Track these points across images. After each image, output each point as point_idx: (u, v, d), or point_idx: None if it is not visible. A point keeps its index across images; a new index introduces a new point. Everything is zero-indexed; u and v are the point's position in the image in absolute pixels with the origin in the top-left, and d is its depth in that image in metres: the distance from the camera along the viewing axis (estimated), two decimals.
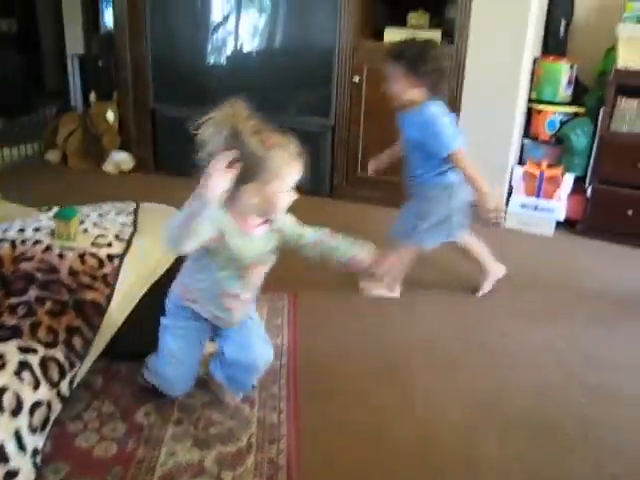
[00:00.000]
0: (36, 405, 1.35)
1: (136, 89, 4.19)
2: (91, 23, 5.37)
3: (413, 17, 3.49)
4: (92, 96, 4.37)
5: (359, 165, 3.71)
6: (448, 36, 3.35)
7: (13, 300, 1.53)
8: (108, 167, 4.27)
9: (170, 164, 4.20)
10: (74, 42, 5.47)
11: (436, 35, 3.35)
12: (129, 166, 4.27)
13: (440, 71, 2.22)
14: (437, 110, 2.22)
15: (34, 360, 1.39)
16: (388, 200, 3.64)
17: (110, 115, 4.22)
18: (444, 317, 2.38)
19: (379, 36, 3.56)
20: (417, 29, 3.44)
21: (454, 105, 3.36)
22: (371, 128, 3.62)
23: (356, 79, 3.57)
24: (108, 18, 5.24)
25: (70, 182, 4.08)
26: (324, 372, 1.94)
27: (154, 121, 4.23)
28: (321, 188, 3.88)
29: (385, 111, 3.54)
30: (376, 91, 3.53)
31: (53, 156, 4.62)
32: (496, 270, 2.57)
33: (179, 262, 1.69)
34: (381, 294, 2.52)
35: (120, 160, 4.25)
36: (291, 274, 2.68)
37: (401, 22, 3.54)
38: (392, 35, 3.47)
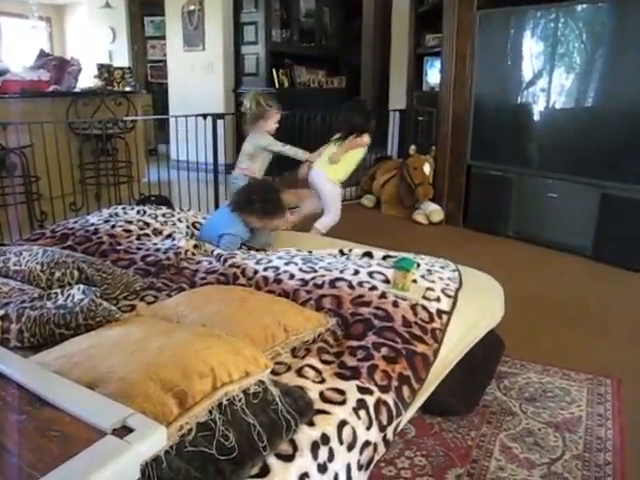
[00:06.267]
0: (366, 444, 1.42)
1: (454, 145, 4.33)
2: (414, 82, 5.75)
3: None
4: (412, 148, 4.62)
5: None
6: None
7: (353, 343, 1.65)
8: (418, 217, 4.46)
9: (478, 220, 4.21)
10: (396, 98, 5.92)
11: None
12: (439, 218, 4.40)
13: None
14: None
15: (370, 401, 1.47)
16: None
17: (427, 168, 4.41)
18: None
19: None
20: None
21: None
22: None
23: None
24: (431, 77, 5.54)
25: (381, 226, 4.36)
26: None
27: (468, 177, 4.31)
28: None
29: None
30: None
31: (368, 201, 5.00)
32: None
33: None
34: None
35: (431, 211, 4.40)
36: (613, 358, 2.44)
37: None
38: None
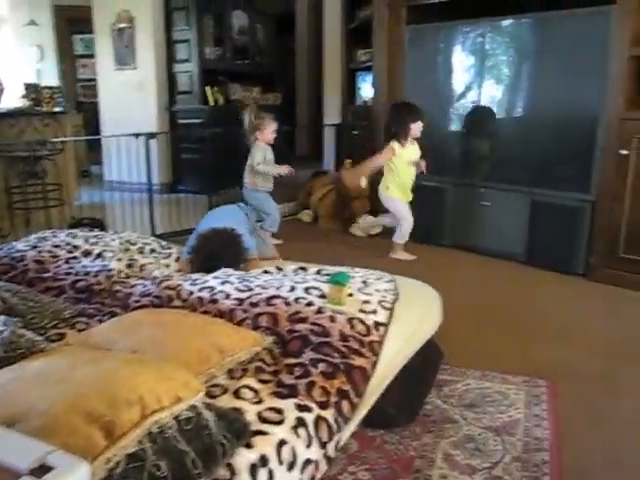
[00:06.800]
0: (307, 463, 1.39)
1: None
2: (347, 96, 5.83)
3: None
4: (347, 163, 4.67)
5: (621, 245, 3.39)
6: None
7: (291, 360, 1.63)
8: (356, 230, 4.49)
9: (415, 231, 4.26)
10: (330, 113, 5.98)
11: None
12: (376, 230, 4.44)
13: None
14: None
15: (309, 418, 1.44)
16: None
17: (363, 181, 4.44)
18: None
19: None
20: None
21: None
22: (638, 205, 3.31)
23: (623, 152, 3.31)
24: (364, 92, 5.63)
25: (319, 241, 4.36)
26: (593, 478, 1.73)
27: None
28: (573, 266, 3.62)
29: None
30: None
31: (306, 216, 5.00)
32: None
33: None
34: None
35: (369, 224, 4.44)
36: (547, 359, 2.50)
37: None
38: None
